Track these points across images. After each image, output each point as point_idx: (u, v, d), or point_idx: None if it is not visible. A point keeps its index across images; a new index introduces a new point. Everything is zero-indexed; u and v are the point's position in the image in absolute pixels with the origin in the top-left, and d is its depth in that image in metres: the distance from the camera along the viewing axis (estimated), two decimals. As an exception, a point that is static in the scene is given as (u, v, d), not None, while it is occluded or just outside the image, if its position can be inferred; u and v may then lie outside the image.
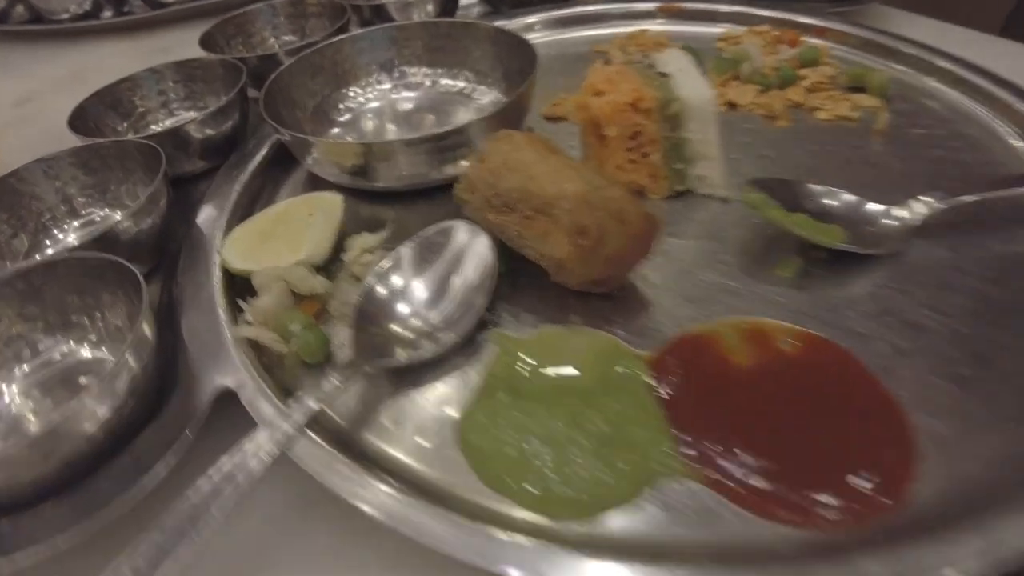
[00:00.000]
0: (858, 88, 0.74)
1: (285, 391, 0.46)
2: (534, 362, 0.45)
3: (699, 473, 0.38)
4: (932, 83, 0.73)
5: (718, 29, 0.87)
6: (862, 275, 0.52)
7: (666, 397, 0.42)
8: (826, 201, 0.55)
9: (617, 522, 0.37)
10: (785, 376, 0.44)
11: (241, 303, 0.51)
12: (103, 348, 0.50)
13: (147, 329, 0.43)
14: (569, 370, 0.45)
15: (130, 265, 0.46)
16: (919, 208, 0.54)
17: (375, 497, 0.37)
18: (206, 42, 0.82)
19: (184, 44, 1.04)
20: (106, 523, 0.39)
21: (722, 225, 0.58)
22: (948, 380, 0.43)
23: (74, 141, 0.65)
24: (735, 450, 0.39)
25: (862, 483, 0.37)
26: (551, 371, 0.45)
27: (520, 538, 0.35)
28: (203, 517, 0.34)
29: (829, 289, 0.51)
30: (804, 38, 0.81)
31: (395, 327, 0.47)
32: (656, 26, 0.89)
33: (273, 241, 0.55)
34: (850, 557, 0.33)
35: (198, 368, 0.47)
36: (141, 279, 0.45)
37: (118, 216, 0.64)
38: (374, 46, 0.76)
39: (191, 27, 1.10)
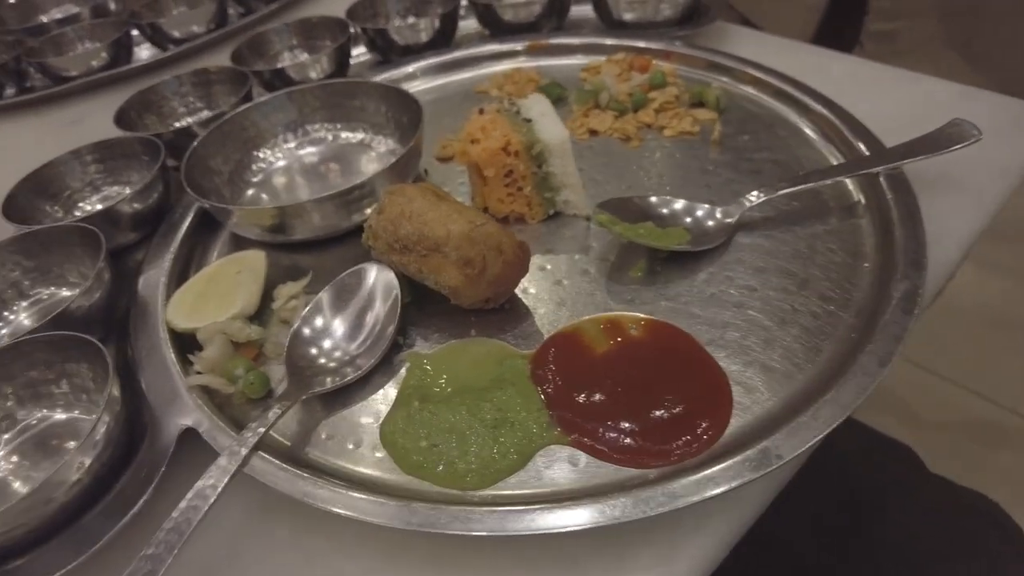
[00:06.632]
0: (699, 104, 0.88)
1: (237, 424, 0.55)
2: (440, 372, 0.56)
3: (567, 438, 0.50)
4: (754, 92, 0.88)
5: (581, 60, 1.00)
6: (698, 268, 0.65)
7: (543, 384, 0.54)
8: (664, 209, 0.68)
9: (512, 481, 0.49)
10: (633, 354, 0.56)
11: (190, 357, 0.60)
12: (74, 411, 0.58)
13: (115, 390, 0.52)
14: (469, 374, 0.56)
15: (91, 338, 0.54)
16: (738, 207, 0.67)
17: (321, 493, 0.48)
18: (121, 119, 0.89)
19: (92, 115, 1.09)
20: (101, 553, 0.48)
21: (588, 239, 0.70)
22: (759, 340, 0.57)
23: (9, 228, 0.73)
24: (593, 416, 0.51)
25: (689, 431, 0.50)
26: (453, 377, 0.56)
27: (434, 506, 0.46)
28: (186, 529, 0.44)
29: (671, 282, 0.63)
30: (656, 61, 0.94)
31: (321, 360, 0.57)
32: (527, 63, 1.01)
33: (209, 300, 0.64)
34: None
35: (161, 415, 0.56)
36: (104, 349, 0.53)
37: (65, 293, 0.72)
38: (277, 110, 0.85)
39: (96, 98, 1.16)
